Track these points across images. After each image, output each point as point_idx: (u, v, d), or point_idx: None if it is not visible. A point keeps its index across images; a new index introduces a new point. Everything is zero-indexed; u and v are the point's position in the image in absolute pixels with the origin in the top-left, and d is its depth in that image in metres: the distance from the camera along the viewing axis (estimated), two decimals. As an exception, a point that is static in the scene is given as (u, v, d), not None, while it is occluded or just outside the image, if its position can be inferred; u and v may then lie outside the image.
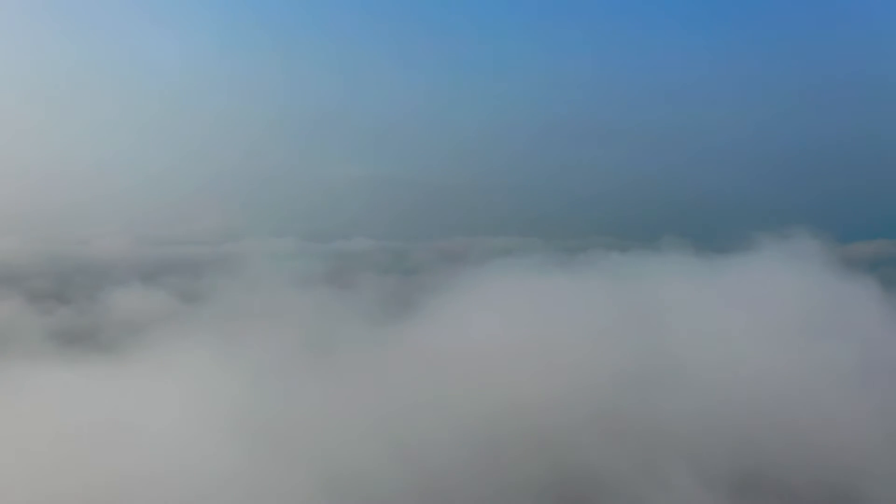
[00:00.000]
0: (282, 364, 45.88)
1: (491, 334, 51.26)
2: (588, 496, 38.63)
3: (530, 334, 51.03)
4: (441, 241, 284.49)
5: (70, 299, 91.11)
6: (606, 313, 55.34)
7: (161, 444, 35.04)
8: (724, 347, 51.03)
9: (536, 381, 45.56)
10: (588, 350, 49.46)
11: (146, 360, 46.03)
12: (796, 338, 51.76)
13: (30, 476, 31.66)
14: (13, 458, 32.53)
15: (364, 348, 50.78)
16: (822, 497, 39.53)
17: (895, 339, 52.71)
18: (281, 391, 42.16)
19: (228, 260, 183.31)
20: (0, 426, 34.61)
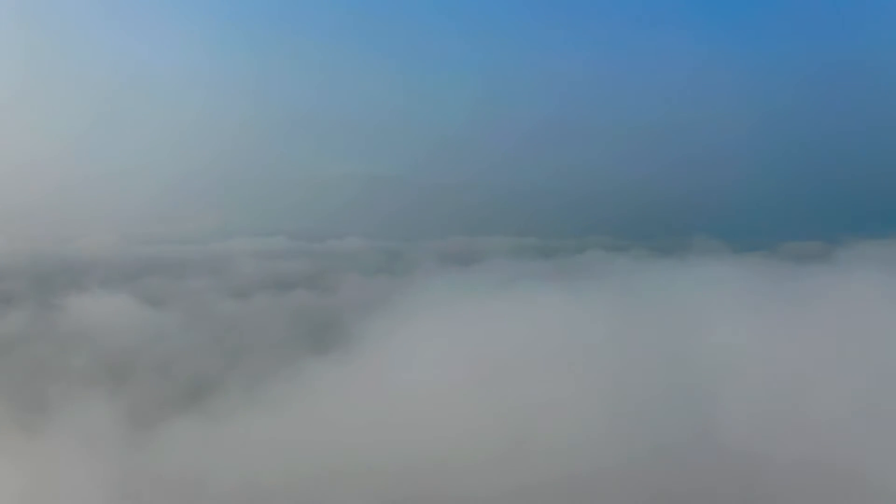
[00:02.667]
0: (220, 380, 39.88)
1: (467, 356, 42.74)
2: None
3: (516, 356, 42.35)
4: (436, 241, 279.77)
5: (24, 305, 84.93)
6: (613, 330, 46.08)
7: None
8: (790, 394, 37.53)
9: (506, 425, 36.05)
10: (589, 386, 37.96)
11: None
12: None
13: None
14: None
15: (318, 366, 44.12)
16: None
17: None
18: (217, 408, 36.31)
19: (214, 260, 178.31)
20: None
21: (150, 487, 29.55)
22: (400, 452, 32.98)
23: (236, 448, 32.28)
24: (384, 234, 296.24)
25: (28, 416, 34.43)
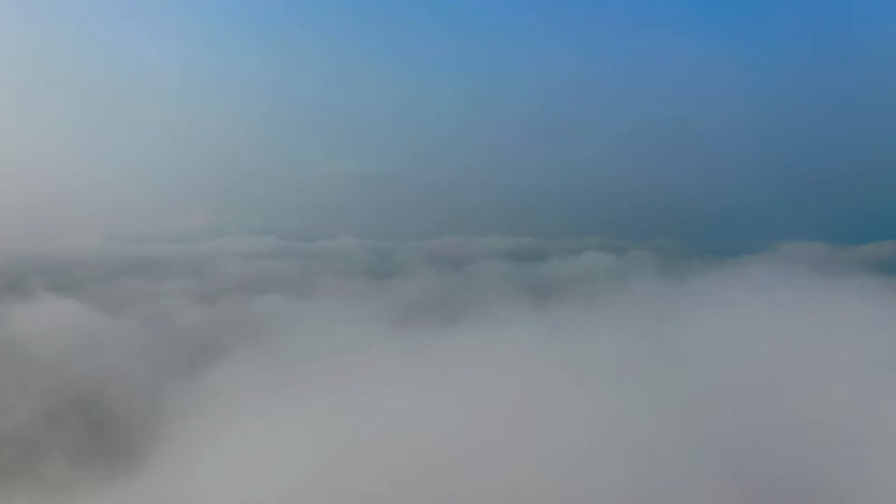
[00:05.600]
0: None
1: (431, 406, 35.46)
2: None
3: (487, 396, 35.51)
4: (430, 241, 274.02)
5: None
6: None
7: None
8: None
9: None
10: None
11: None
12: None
13: None
14: None
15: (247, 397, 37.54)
16: None
17: None
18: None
19: (197, 260, 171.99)
20: None
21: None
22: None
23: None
24: (377, 233, 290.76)
25: None
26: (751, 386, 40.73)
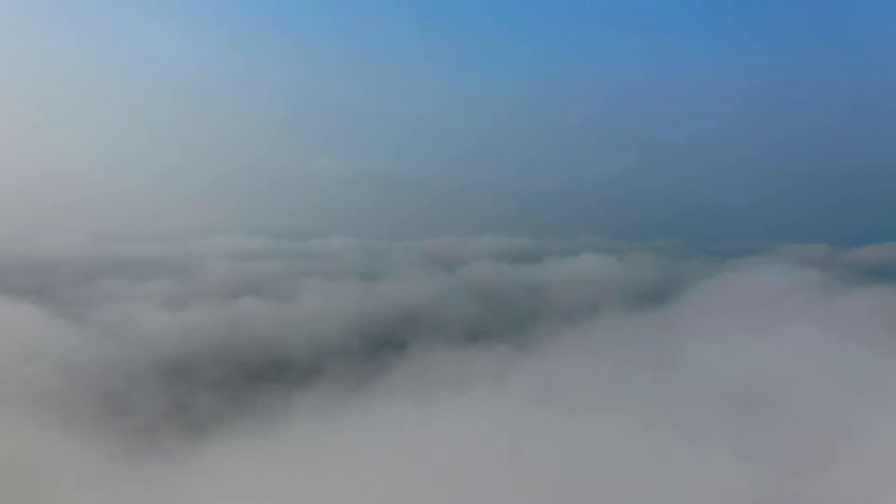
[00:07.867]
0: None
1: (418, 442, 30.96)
2: None
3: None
4: (425, 241, 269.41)
5: None
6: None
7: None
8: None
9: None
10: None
11: None
12: None
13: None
14: None
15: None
16: None
17: None
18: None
19: (182, 261, 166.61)
20: None
21: None
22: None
23: None
24: (372, 233, 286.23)
25: None
26: (752, 388, 40.17)
